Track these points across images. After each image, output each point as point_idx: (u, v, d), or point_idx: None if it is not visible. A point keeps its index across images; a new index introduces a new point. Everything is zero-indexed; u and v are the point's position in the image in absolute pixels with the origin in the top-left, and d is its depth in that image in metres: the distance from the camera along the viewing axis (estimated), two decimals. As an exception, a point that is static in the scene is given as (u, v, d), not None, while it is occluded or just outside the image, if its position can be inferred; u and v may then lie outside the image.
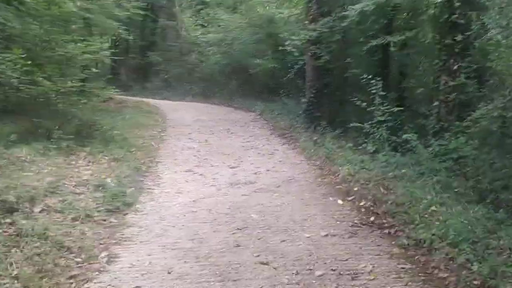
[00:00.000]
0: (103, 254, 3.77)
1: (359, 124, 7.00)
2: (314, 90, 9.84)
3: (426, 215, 4.49)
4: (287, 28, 15.52)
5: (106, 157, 6.99)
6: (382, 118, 6.67)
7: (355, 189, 5.54)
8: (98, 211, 4.68)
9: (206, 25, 20.35)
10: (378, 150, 6.83)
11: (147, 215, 4.78)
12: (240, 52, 17.40)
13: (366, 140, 7.62)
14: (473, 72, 6.61)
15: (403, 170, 5.67)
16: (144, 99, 18.81)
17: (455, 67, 6.49)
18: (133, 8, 14.29)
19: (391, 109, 6.67)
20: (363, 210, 4.94)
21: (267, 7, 16.01)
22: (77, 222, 4.35)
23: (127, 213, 4.80)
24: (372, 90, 6.97)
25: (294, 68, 12.36)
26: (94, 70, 9.48)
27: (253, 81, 17.94)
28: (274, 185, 5.95)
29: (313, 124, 9.83)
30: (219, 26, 19.08)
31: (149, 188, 5.80)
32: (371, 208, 4.93)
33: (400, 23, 9.25)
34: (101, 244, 4.01)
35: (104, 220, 4.53)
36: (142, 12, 18.30)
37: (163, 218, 4.69)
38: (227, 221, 4.61)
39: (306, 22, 9.45)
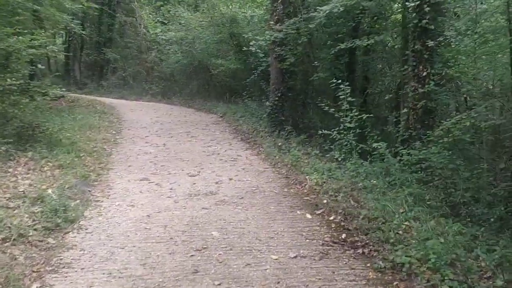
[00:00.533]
0: (34, 287, 3.16)
1: (327, 132, 6.63)
2: (279, 93, 9.46)
3: (401, 232, 4.18)
4: (250, 28, 15.17)
5: (50, 164, 6.29)
6: (351, 125, 6.35)
7: (324, 201, 5.16)
8: (34, 230, 4.04)
9: (166, 22, 19.57)
10: (346, 158, 6.52)
11: (92, 234, 4.18)
12: (202, 51, 16.81)
13: (332, 147, 7.33)
14: (440, 79, 6.46)
15: (373, 181, 5.36)
16: (99, 98, 17.85)
17: (424, 74, 6.27)
18: (87, 1, 13.37)
19: (360, 116, 6.36)
20: (333, 225, 4.56)
21: (230, 6, 15.50)
22: (7, 244, 3.71)
23: (68, 232, 4.17)
24: (340, 95, 6.65)
25: (257, 70, 11.99)
26: (40, 66, 8.48)
27: (214, 82, 17.40)
28: (237, 196, 5.48)
29: (277, 128, 9.45)
30: (180, 24, 18.40)
31: (97, 201, 5.16)
32: (342, 224, 4.56)
33: (365, 27, 9.03)
34: (33, 271, 3.40)
35: (40, 241, 3.89)
36: (97, 6, 17.31)
37: (110, 238, 4.10)
38: (184, 240, 4.08)
39: (272, 22, 9.05)
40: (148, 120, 12.02)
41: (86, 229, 4.27)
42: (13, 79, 6.82)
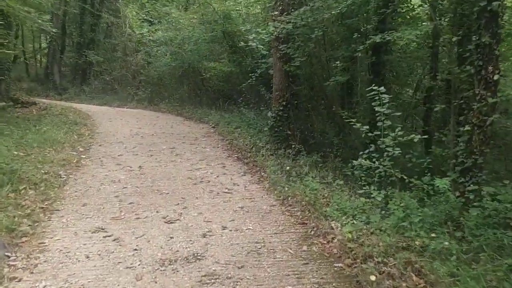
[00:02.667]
0: None
1: (363, 163, 4.72)
2: (283, 102, 7.57)
3: None
4: (246, 27, 13.31)
5: (-31, 205, 4.37)
6: (395, 149, 4.44)
7: (371, 277, 3.26)
8: None
9: (153, 21, 17.65)
10: (383, 192, 4.64)
11: None
12: (192, 53, 14.90)
13: (355, 172, 5.48)
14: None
15: (445, 243, 3.47)
16: (77, 105, 15.86)
17: (496, 77, 4.42)
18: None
19: (410, 136, 4.45)
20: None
21: (225, 2, 13.61)
22: None
23: None
24: (375, 105, 4.77)
25: (255, 72, 10.10)
26: None
27: (206, 87, 15.53)
28: (234, 262, 3.58)
29: (282, 145, 7.58)
30: (169, 22, 16.51)
31: (13, 278, 3.23)
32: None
33: (394, 17, 7.18)
34: None
35: None
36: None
37: None
38: None
39: (275, 13, 7.17)
40: (127, 132, 10.07)
41: None
42: None
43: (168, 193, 5.45)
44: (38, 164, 6.29)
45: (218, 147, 8.71)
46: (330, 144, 7.19)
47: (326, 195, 5.10)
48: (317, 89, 7.99)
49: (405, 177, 4.31)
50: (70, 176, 6.09)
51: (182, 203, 5.07)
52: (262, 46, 7.13)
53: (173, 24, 15.84)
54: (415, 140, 4.34)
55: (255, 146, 8.26)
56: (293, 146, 7.33)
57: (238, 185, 5.92)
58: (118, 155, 7.61)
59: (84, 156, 7.43)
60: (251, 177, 6.41)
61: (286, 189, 5.44)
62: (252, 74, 10.29)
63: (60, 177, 5.97)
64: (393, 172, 4.44)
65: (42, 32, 22.75)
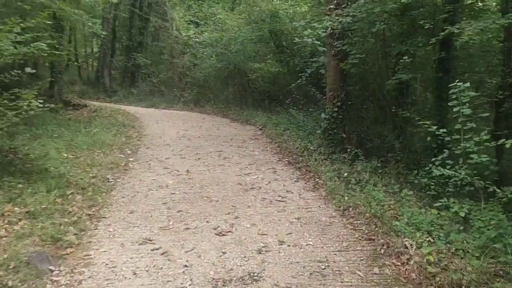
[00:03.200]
0: None
1: (444, 170, 4.12)
2: (338, 103, 7.03)
3: None
4: (300, 23, 12.83)
5: (17, 210, 4.21)
6: (484, 157, 3.81)
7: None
8: None
9: (199, 23, 17.54)
10: (454, 201, 4.02)
11: None
12: (238, 53, 14.62)
13: (424, 180, 4.89)
14: None
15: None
16: (126, 107, 16.01)
17: None
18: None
19: (501, 141, 3.79)
20: None
21: (272, 1, 13.19)
22: None
23: None
24: (454, 104, 4.14)
25: (306, 72, 9.59)
26: (28, 70, 6.37)
27: (252, 88, 15.18)
28: (296, 286, 3.12)
29: (336, 148, 7.03)
30: (215, 23, 16.35)
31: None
32: None
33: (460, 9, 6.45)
34: None
35: None
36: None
37: None
38: None
39: (330, 7, 6.64)
40: (173, 135, 9.88)
41: None
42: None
43: (218, 201, 5.08)
44: (87, 167, 6.14)
45: (267, 150, 8.29)
46: (390, 148, 6.55)
47: (392, 206, 4.53)
48: (373, 88, 7.36)
49: (492, 187, 3.67)
50: (118, 180, 5.87)
51: (233, 212, 4.67)
52: (318, 42, 6.60)
53: (219, 25, 15.64)
54: (507, 145, 3.68)
55: (307, 149, 7.77)
56: (348, 150, 6.76)
57: (291, 193, 5.45)
58: (165, 158, 7.36)
59: (132, 159, 7.24)
60: (305, 183, 5.92)
61: (346, 198, 4.91)
62: (302, 74, 9.79)
63: (108, 181, 5.77)
64: (475, 181, 3.81)
65: (93, 36, 23.41)
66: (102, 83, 20.13)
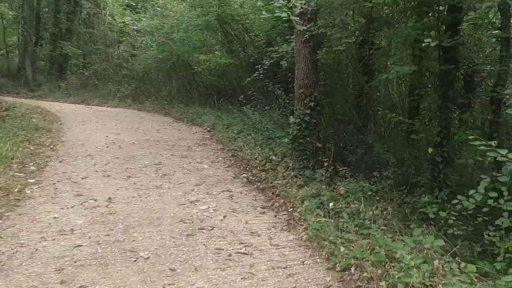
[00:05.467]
0: None
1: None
2: (311, 103, 5.39)
3: None
4: (245, 11, 11.09)
5: None
6: None
7: None
8: None
9: (136, 7, 15.29)
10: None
11: None
12: (182, 43, 12.64)
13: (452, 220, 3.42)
14: None
15: None
16: (49, 104, 13.46)
17: None
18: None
19: None
20: None
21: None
22: None
23: None
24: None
25: (263, 64, 7.92)
26: None
27: (198, 82, 13.27)
28: None
29: (309, 162, 5.40)
30: (154, 8, 14.24)
31: None
32: None
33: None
34: None
35: None
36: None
37: None
38: None
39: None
40: (101, 141, 7.80)
41: None
42: None
43: (147, 258, 3.25)
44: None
45: (218, 162, 6.52)
46: (377, 162, 5.04)
47: (421, 266, 2.94)
48: (351, 83, 5.82)
49: None
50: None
51: (171, 285, 2.88)
52: (297, 19, 4.89)
53: (159, 9, 13.55)
54: None
55: (269, 161, 6.11)
56: (325, 164, 5.17)
57: (258, 236, 3.73)
58: (82, 178, 5.36)
59: (33, 181, 5.16)
60: (275, 216, 4.23)
61: (342, 249, 3.27)
62: (258, 66, 8.11)
63: (-22, 226, 3.73)
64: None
65: (16, 22, 20.18)
66: (23, 75, 17.17)
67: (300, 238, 3.67)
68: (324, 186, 4.79)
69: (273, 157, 6.26)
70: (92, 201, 4.50)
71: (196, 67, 12.37)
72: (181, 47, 12.67)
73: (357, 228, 3.62)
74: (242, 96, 9.57)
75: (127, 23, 15.84)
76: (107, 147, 7.30)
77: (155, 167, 6.05)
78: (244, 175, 5.74)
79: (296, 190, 4.80)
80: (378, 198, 4.47)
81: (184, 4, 12.89)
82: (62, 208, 4.24)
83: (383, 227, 3.69)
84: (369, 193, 4.47)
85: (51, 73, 18.08)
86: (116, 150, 7.05)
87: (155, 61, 14.00)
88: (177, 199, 4.66)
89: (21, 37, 17.99)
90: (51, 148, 7.05)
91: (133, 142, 7.76)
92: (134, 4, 15.12)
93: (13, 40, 21.68)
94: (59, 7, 17.72)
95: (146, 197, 4.69)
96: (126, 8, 15.88)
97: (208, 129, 9.29)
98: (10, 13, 12.11)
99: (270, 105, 8.68)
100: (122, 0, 15.62)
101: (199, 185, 5.22)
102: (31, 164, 5.93)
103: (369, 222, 3.72)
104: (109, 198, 4.58)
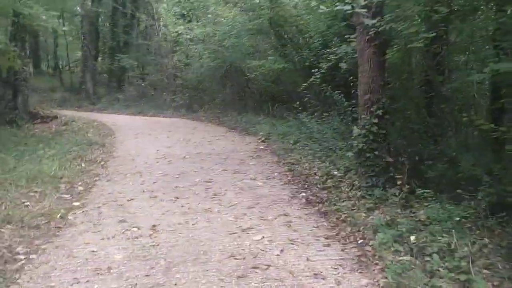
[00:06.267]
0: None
1: None
2: (379, 110, 4.60)
3: None
4: (298, 11, 10.41)
5: None
6: None
7: None
8: None
9: (187, 16, 15.14)
10: None
11: None
12: (234, 49, 12.27)
13: None
14: None
15: None
16: (106, 117, 13.66)
17: None
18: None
19: None
20: None
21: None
22: None
23: None
24: None
25: (321, 67, 7.22)
26: None
27: (252, 89, 12.79)
28: None
29: (378, 179, 4.61)
30: (206, 16, 14.00)
31: None
32: None
33: None
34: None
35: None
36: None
37: None
38: None
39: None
40: (152, 155, 7.51)
41: None
42: None
43: (191, 311, 2.69)
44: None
45: (273, 178, 5.89)
46: (465, 178, 4.15)
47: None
48: (427, 87, 4.95)
49: None
50: (30, 257, 3.48)
51: None
52: (364, 10, 4.17)
53: (210, 16, 13.28)
54: None
55: (331, 177, 5.39)
56: (398, 181, 4.36)
57: (323, 279, 3.04)
58: (128, 200, 4.98)
59: (78, 204, 4.86)
60: (342, 251, 3.51)
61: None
62: (315, 70, 7.40)
63: (14, 260, 3.39)
64: None
65: (79, 38, 21.04)
66: (84, 89, 17.75)
67: (377, 284, 2.93)
68: (398, 210, 4.00)
69: (335, 172, 5.55)
70: (136, 229, 4.05)
71: (249, 74, 11.90)
72: (233, 53, 12.30)
73: (452, 274, 2.81)
74: (298, 102, 8.89)
75: (180, 32, 15.78)
76: (157, 162, 6.96)
77: (205, 185, 5.55)
78: (303, 194, 5.06)
79: (365, 215, 4.05)
80: (469, 225, 3.60)
81: (235, 9, 12.45)
82: (103, 239, 3.82)
83: (485, 271, 2.86)
84: (457, 218, 3.63)
85: (110, 85, 18.54)
86: (165, 166, 6.68)
87: (208, 69, 13.77)
88: (228, 226, 4.09)
89: (82, 52, 18.62)
90: (101, 164, 6.84)
91: (184, 157, 7.37)
92: (185, 13, 14.97)
93: (77, 55, 22.67)
94: (116, 21, 18.14)
95: (193, 224, 4.17)
96: (180, 18, 15.80)
97: (263, 139, 8.71)
98: (64, 29, 12.37)
99: (329, 112, 7.92)
100: (174, 11, 15.56)
101: (253, 207, 4.62)
102: (79, 183, 5.69)
103: (466, 264, 2.90)
104: (153, 226, 4.11)
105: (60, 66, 21.23)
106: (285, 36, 10.70)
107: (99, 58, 19.42)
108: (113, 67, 17.74)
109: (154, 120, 13.08)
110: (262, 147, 8.17)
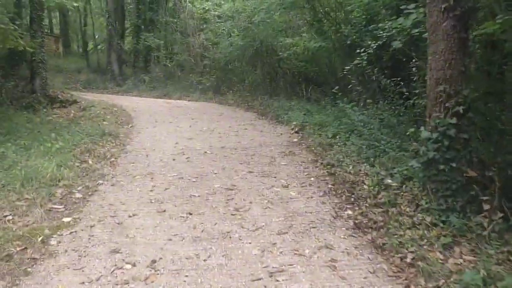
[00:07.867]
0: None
1: None
2: (459, 107, 3.32)
3: None
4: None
5: None
6: None
7: None
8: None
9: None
10: None
11: None
12: (264, 26, 11.01)
13: None
14: None
15: None
16: (128, 101, 12.77)
17: None
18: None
19: None
20: None
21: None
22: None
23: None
24: None
25: (366, 47, 5.91)
26: None
27: (284, 70, 11.51)
28: None
29: (455, 199, 3.37)
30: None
31: None
32: None
33: None
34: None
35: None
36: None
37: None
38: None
39: None
40: (168, 150, 6.50)
41: None
42: None
43: None
44: None
45: (310, 185, 4.73)
46: None
47: None
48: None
49: None
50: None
51: None
52: None
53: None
54: None
55: (383, 187, 4.19)
56: (485, 205, 3.12)
57: None
58: (130, 216, 3.98)
59: (68, 220, 3.91)
60: (417, 323, 2.37)
61: None
62: (361, 50, 6.09)
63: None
64: None
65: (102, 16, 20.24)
66: (110, 70, 16.97)
67: None
68: (492, 251, 2.79)
69: (389, 180, 4.33)
70: (129, 266, 3.05)
71: (281, 53, 10.65)
72: (264, 30, 11.05)
73: None
74: (337, 87, 7.59)
75: (207, 8, 14.60)
76: (174, 159, 5.94)
77: (226, 194, 4.48)
78: (349, 212, 3.90)
79: (442, 257, 2.87)
80: None
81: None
82: (83, 283, 2.83)
83: None
84: None
85: (136, 66, 17.69)
86: (182, 165, 5.65)
87: (236, 48, 12.56)
88: (251, 265, 3.01)
89: (106, 31, 17.81)
90: (110, 161, 5.88)
91: (205, 152, 6.32)
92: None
93: (104, 35, 21.93)
94: (140, -2, 17.12)
95: (205, 260, 3.11)
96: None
97: (296, 129, 7.53)
98: (74, 4, 11.46)
99: (375, 100, 6.61)
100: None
101: (285, 233, 3.52)
102: (79, 188, 4.76)
103: None
104: (153, 262, 3.09)
105: (88, 46, 20.56)
106: (321, 10, 9.34)
107: (125, 38, 18.51)
108: (138, 47, 16.80)
109: (178, 105, 12.07)
110: (295, 139, 7.01)
